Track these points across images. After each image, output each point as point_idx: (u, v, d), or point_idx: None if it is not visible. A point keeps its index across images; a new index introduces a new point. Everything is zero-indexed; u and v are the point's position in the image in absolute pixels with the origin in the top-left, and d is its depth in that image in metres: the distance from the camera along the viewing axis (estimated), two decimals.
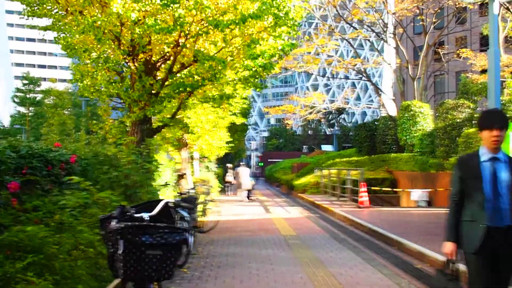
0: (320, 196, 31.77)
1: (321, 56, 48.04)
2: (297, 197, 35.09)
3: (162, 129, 16.77)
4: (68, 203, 7.48)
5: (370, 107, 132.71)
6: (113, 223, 5.43)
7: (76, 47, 13.78)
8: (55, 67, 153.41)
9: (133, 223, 5.36)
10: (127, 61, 14.14)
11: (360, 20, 44.15)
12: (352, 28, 45.73)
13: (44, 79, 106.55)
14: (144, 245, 5.30)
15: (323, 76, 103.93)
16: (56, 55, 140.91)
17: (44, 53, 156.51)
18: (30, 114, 77.68)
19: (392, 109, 44.60)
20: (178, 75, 14.49)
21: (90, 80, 14.67)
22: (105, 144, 13.78)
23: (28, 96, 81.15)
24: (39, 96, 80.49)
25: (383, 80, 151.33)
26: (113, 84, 14.17)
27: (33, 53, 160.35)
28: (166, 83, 14.47)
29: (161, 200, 6.07)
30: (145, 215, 5.75)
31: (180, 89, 13.81)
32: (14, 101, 79.25)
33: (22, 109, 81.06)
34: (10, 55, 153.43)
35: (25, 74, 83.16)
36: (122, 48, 13.46)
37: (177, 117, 16.78)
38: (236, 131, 50.91)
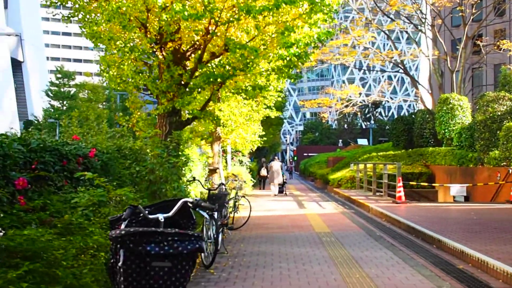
0: (355, 191, 31.09)
1: (357, 49, 47.16)
2: (332, 191, 34.40)
3: (192, 122, 16.17)
4: (80, 201, 6.84)
5: (407, 100, 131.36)
6: (122, 226, 4.81)
7: (101, 36, 13.24)
8: (91, 61, 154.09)
9: (135, 228, 4.47)
10: (154, 50, 13.61)
11: (397, 12, 43.29)
12: (389, 20, 44.89)
13: (80, 73, 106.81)
14: (150, 256, 4.45)
15: (360, 69, 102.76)
16: (91, 49, 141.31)
17: (80, 47, 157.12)
18: (64, 108, 77.69)
19: (429, 103, 43.68)
20: (209, 65, 13.89)
21: (117, 71, 14.17)
22: (132, 137, 13.20)
23: (62, 90, 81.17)
24: (73, 90, 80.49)
25: (419, 74, 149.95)
26: (140, 74, 13.65)
27: (69, 47, 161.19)
28: (196, 73, 13.93)
29: (180, 199, 5.44)
30: (161, 216, 5.09)
31: (211, 79, 13.23)
32: (48, 95, 79.26)
33: (56, 103, 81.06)
34: (46, 49, 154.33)
35: (59, 67, 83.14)
36: (149, 36, 12.96)
37: (207, 109, 16.14)
38: (271, 124, 50.41)
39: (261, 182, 41.91)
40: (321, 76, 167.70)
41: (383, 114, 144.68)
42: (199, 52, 13.74)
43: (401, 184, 22.92)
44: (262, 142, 30.55)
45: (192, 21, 12.36)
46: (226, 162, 32.01)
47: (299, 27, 13.15)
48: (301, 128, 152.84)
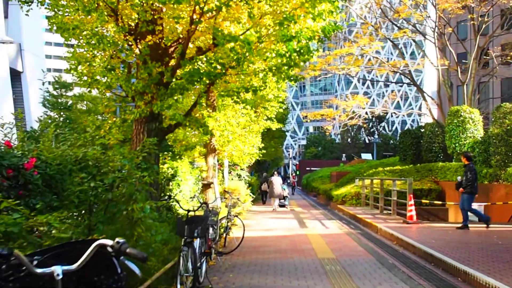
0: (361, 208, 29.02)
1: (363, 58, 45.21)
2: (336, 208, 32.35)
3: (176, 129, 14.00)
4: None
5: (411, 115, 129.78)
6: None
7: (67, 26, 11.23)
8: None
9: None
10: (129, 43, 11.59)
11: (405, 20, 41.56)
12: (396, 28, 43.05)
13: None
14: None
15: (364, 80, 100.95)
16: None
17: None
18: (61, 119, 75.79)
19: (438, 115, 41.74)
20: (194, 61, 11.79)
21: (87, 68, 12.14)
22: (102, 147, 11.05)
23: (60, 100, 79.37)
24: (70, 101, 78.68)
25: (424, 87, 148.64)
26: (113, 72, 11.60)
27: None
28: (179, 71, 11.87)
29: (94, 240, 3.39)
30: (58, 270, 3.10)
31: (195, 78, 11.15)
32: (45, 106, 77.44)
33: (54, 114, 79.22)
34: (47, 61, 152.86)
35: (57, 78, 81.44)
36: (120, 24, 10.91)
37: (194, 115, 13.91)
38: (273, 137, 48.83)
39: (263, 197, 41.92)
40: (325, 90, 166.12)
41: (387, 129, 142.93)
42: (182, 46, 11.64)
43: (412, 202, 20.89)
44: (261, 155, 28.55)
45: (172, 8, 10.38)
46: (223, 176, 30.08)
47: (301, 18, 11.09)
48: (304, 142, 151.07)
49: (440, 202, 26.22)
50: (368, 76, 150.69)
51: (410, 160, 36.89)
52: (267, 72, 12.51)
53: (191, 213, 9.72)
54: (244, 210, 29.23)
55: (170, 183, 17.17)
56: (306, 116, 49.26)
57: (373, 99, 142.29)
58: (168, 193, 16.64)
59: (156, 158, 12.38)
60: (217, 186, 24.56)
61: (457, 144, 30.35)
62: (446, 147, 32.04)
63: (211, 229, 12.79)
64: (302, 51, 11.34)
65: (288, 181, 78.70)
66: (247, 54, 10.92)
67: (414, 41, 45.07)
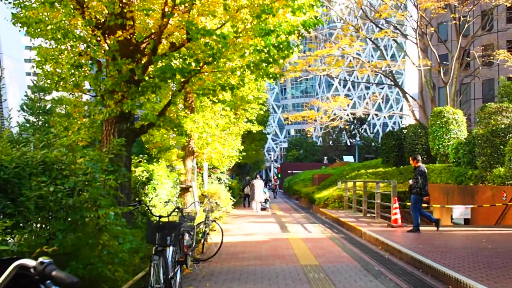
0: (344, 211, 28.38)
1: (345, 57, 44.58)
2: (318, 212, 31.68)
3: (149, 130, 13.20)
4: None
5: (392, 117, 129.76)
6: None
7: (31, 21, 10.48)
8: None
9: None
10: (98, 38, 10.84)
11: (386, 21, 41.14)
12: (378, 29, 42.57)
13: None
14: None
15: (345, 82, 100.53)
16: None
17: None
18: (39, 123, 74.76)
19: (420, 116, 41.27)
20: (167, 58, 11.04)
21: (53, 65, 11.39)
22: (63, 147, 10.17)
23: (38, 104, 78.28)
24: (49, 105, 77.67)
25: (405, 88, 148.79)
26: (80, 69, 10.85)
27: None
28: (151, 68, 11.15)
29: (14, 259, 2.67)
30: None
31: (167, 75, 10.41)
32: (23, 110, 76.38)
33: (32, 118, 78.18)
34: (27, 64, 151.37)
35: (35, 82, 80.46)
36: (87, 17, 10.17)
37: (168, 114, 13.11)
38: (253, 140, 48.31)
39: (245, 200, 42.00)
40: (306, 92, 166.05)
41: (368, 131, 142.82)
42: (153, 41, 10.88)
43: (397, 205, 20.32)
44: (241, 158, 27.88)
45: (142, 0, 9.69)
46: (202, 179, 29.36)
47: (279, 11, 10.39)
48: (285, 145, 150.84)
49: (425, 205, 25.65)
50: (349, 79, 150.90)
51: (393, 162, 36.46)
52: (245, 69, 11.79)
53: (164, 219, 9.02)
54: (225, 214, 28.57)
55: (146, 187, 16.42)
56: (287, 118, 48.63)
57: (354, 102, 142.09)
58: (141, 197, 15.92)
59: (127, 161, 11.66)
60: (196, 190, 23.88)
61: (440, 145, 29.93)
62: (430, 149, 31.58)
63: (187, 235, 12.10)
64: (281, 46, 10.65)
65: (270, 184, 78.07)
66: (223, 49, 10.22)
67: (395, 41, 44.65)
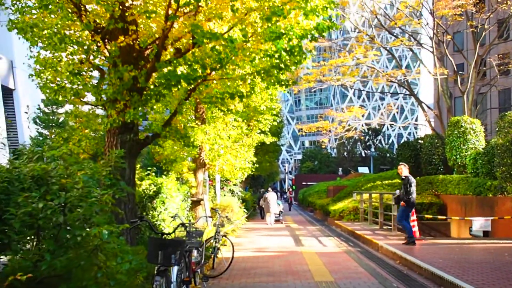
0: (359, 224, 27.70)
1: (360, 66, 43.84)
2: (333, 224, 31.02)
3: (157, 141, 12.55)
4: None
5: (407, 128, 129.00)
6: None
7: (27, 25, 9.91)
8: None
9: None
10: (98, 43, 10.27)
11: (401, 29, 40.50)
12: (393, 37, 41.88)
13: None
14: None
15: (360, 91, 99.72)
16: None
17: None
18: (52, 136, 74.52)
19: (435, 127, 40.50)
20: (172, 64, 10.41)
21: (52, 73, 10.82)
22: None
23: (51, 117, 78.10)
24: (62, 118, 77.49)
25: (420, 98, 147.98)
26: (79, 76, 10.27)
27: None
28: (154, 75, 10.55)
29: None
30: None
31: (171, 82, 9.82)
32: (36, 123, 76.18)
33: (45, 132, 78.02)
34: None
35: (48, 95, 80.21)
36: (85, 21, 9.59)
37: (174, 124, 12.38)
38: (267, 151, 47.85)
39: (261, 212, 41.48)
40: (320, 104, 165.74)
41: (383, 142, 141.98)
42: (156, 45, 10.26)
43: (415, 217, 19.62)
44: (254, 170, 27.25)
45: (144, 1, 9.10)
46: (215, 192, 28.77)
47: (291, 13, 9.77)
48: (299, 156, 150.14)
49: (444, 217, 24.95)
50: (364, 89, 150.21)
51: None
52: (255, 76, 11.17)
53: (171, 235, 8.42)
54: (238, 228, 27.99)
55: (154, 201, 15.82)
56: (301, 129, 48.02)
57: (369, 113, 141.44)
58: (149, 212, 15.33)
59: (131, 174, 11.06)
60: (207, 203, 23.27)
61: (458, 156, 29.10)
62: (447, 159, 30.78)
63: (195, 251, 11.49)
64: (293, 51, 10.04)
65: (285, 196, 77.30)
66: (231, 54, 9.62)
67: (411, 50, 43.86)
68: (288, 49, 9.93)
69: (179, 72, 9.93)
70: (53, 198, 6.50)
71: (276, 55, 10.06)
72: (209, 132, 21.33)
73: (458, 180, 27.29)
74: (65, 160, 7.01)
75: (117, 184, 7.91)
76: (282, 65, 10.46)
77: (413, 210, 19.70)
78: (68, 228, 6.64)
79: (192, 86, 10.84)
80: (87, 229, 6.53)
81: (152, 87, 10.62)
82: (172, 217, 14.02)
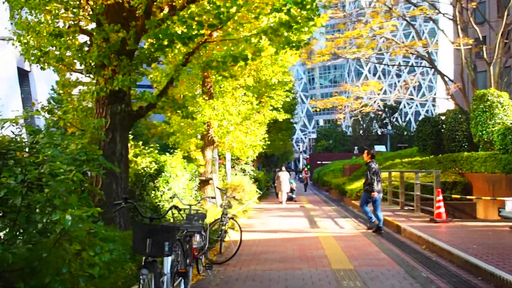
0: None
1: (376, 38, 42.07)
2: (350, 204, 29.64)
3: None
4: None
5: (424, 105, 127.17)
6: None
7: None
8: None
9: None
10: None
11: None
12: (412, 7, 40.12)
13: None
14: None
15: (378, 64, 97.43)
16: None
17: None
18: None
19: (458, 101, 38.82)
20: (165, 22, 8.97)
21: (35, 38, 9.47)
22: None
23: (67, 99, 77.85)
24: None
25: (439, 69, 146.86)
26: (60, 38, 8.89)
27: None
28: (145, 35, 9.13)
29: None
30: None
31: (163, 42, 8.42)
32: (50, 104, 75.71)
33: (60, 113, 77.92)
34: None
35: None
36: None
37: (171, 93, 10.93)
38: (280, 129, 46.78)
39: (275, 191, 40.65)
40: (334, 82, 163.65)
41: (400, 120, 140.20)
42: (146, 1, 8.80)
43: (441, 197, 18.17)
44: (266, 147, 25.95)
45: None
46: (226, 171, 27.51)
47: None
48: (314, 135, 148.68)
49: (473, 197, 23.47)
50: (380, 67, 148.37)
51: (430, 150, 34.11)
52: (261, 36, 9.70)
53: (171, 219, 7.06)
54: (249, 208, 26.75)
55: (156, 180, 14.49)
56: (315, 108, 46.59)
57: (385, 90, 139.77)
58: (150, 192, 13.99)
59: (122, 149, 9.71)
60: (216, 182, 21.99)
61: (484, 132, 27.56)
62: (471, 135, 29.26)
63: (197, 236, 10.18)
64: (304, 2, 8.57)
65: (300, 176, 76.05)
66: (231, 9, 8.19)
67: (431, 19, 42.01)
68: (298, 1, 8.47)
69: (172, 31, 8.49)
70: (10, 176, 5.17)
71: (285, 9, 8.59)
72: (217, 107, 20.16)
73: (485, 158, 25.75)
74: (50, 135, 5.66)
75: (94, 160, 6.54)
76: (292, 22, 8.99)
77: (439, 189, 18.29)
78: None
79: (190, 48, 9.44)
80: (47, 214, 5.16)
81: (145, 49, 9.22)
82: (170, 197, 12.77)
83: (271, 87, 26.58)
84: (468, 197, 23.55)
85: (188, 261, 9.01)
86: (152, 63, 9.41)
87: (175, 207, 8.25)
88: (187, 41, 8.34)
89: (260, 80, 24.91)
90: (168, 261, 7.10)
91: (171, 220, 9.47)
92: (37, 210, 5.18)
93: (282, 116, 28.57)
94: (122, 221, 9.65)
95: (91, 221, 5.76)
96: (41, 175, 5.37)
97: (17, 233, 5.32)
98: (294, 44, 9.97)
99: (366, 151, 18.32)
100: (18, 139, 5.86)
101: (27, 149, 5.92)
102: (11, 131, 6.21)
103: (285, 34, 9.54)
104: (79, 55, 9.03)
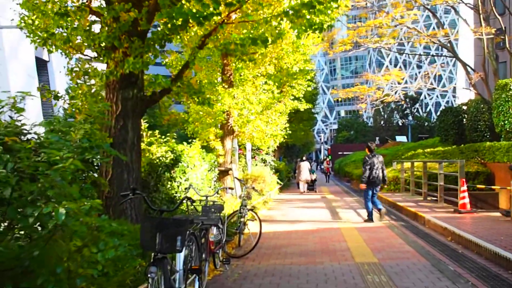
0: (400, 194, 25.86)
1: (398, 28, 41.29)
2: None
3: (162, 98, 10.42)
4: None
5: (444, 96, 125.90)
6: None
7: None
8: None
9: None
10: None
11: None
12: None
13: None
14: None
15: (397, 60, 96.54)
16: None
17: None
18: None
19: (480, 91, 38.06)
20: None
21: (41, 19, 9.00)
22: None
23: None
24: (94, 89, 77.47)
25: (459, 63, 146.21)
26: (67, 18, 8.40)
27: None
28: (159, 14, 8.61)
29: None
30: None
31: (177, 22, 7.93)
32: (68, 93, 76.02)
33: (79, 102, 78.43)
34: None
35: (80, 66, 79.78)
36: None
37: (186, 77, 10.29)
38: (301, 120, 46.50)
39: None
40: (356, 73, 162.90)
41: (421, 111, 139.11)
42: None
43: (465, 187, 17.63)
44: (287, 137, 25.48)
45: None
46: (246, 161, 27.08)
47: None
48: (335, 126, 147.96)
49: (498, 187, 22.80)
50: (400, 58, 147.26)
51: (452, 140, 33.54)
52: (282, 18, 9.17)
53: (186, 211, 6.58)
54: (270, 199, 26.32)
55: (173, 171, 14.03)
56: (337, 98, 46.12)
57: (406, 81, 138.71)
58: (165, 183, 13.53)
59: (134, 137, 9.23)
60: (236, 173, 21.53)
61: (506, 121, 26.89)
62: (493, 125, 28.60)
63: (214, 229, 9.73)
64: None
65: (322, 167, 75.56)
66: None
67: (453, 8, 41.20)
68: None
69: (186, 9, 7.96)
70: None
71: None
72: (237, 96, 19.67)
73: (507, 147, 25.11)
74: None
75: (97, 147, 6.05)
76: (314, 2, 8.46)
77: (463, 179, 17.74)
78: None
79: (207, 30, 8.94)
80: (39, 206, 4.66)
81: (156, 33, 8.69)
82: (185, 188, 12.31)
83: (292, 76, 26.17)
84: (493, 187, 22.91)
85: (204, 255, 8.57)
86: (164, 45, 8.89)
87: (188, 198, 7.74)
88: (202, 21, 7.77)
89: (282, 69, 24.51)
90: (180, 257, 6.65)
91: (187, 213, 9.04)
92: (28, 200, 4.71)
93: (303, 106, 28.09)
94: (134, 213, 9.19)
95: (93, 214, 5.31)
96: (36, 163, 4.90)
97: (8, 228, 4.87)
98: (316, 27, 9.40)
99: (366, 145, 18.73)
100: (10, 124, 5.39)
101: (24, 137, 5.46)
102: (9, 116, 5.76)
103: (307, 16, 9.01)
104: (87, 36, 8.55)
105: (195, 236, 7.55)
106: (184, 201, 7.71)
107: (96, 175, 9.08)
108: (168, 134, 15.11)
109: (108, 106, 6.45)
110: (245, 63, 15.12)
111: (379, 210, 17.57)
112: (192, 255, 7.42)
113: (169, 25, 8.11)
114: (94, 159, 6.56)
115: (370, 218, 17.56)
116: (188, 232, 7.01)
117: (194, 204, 8.68)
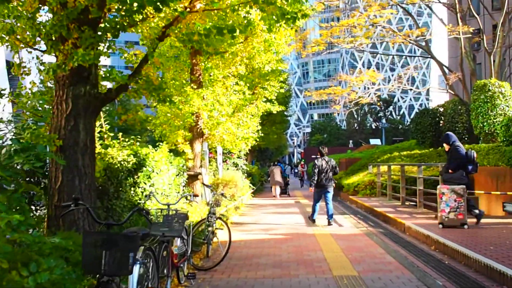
0: (377, 199, 25.01)
1: (372, 28, 40.65)
2: (347, 200, 28.33)
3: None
4: None
5: (418, 99, 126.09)
6: None
7: None
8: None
9: None
10: None
11: None
12: None
13: None
14: None
15: (370, 61, 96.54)
16: None
17: None
18: None
19: (458, 92, 37.51)
20: None
21: None
22: None
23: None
24: None
25: (432, 65, 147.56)
26: (7, 4, 7.37)
27: None
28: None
29: None
30: None
31: (132, 7, 6.96)
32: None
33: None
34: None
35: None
36: None
37: (145, 73, 9.27)
38: (274, 122, 45.91)
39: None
40: (328, 76, 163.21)
41: (394, 114, 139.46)
42: None
43: None
44: (259, 139, 24.62)
45: None
46: (217, 165, 26.15)
47: None
48: (308, 130, 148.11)
49: (482, 192, 22.06)
50: (373, 61, 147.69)
51: (429, 143, 32.96)
52: (251, 6, 8.23)
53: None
54: (242, 204, 25.44)
55: (136, 176, 13.01)
56: (310, 101, 45.57)
57: (379, 84, 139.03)
58: (126, 189, 12.50)
59: (87, 138, 8.23)
60: (206, 177, 20.58)
61: (485, 123, 26.27)
62: (472, 127, 28.00)
63: (178, 240, 8.79)
64: None
65: (296, 170, 74.88)
66: None
67: (429, 7, 40.56)
68: None
69: None
70: None
71: None
72: (206, 97, 18.82)
73: (487, 150, 24.42)
74: None
75: (30, 149, 5.08)
76: None
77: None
78: None
79: (169, 20, 7.96)
80: None
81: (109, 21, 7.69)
82: (145, 196, 11.34)
83: (265, 77, 25.36)
84: (475, 191, 22.17)
85: (166, 271, 7.63)
86: (118, 34, 7.87)
87: (141, 209, 6.70)
88: (160, 6, 6.80)
89: (253, 70, 23.76)
90: (133, 278, 5.66)
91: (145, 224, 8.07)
92: None
93: (276, 108, 27.32)
94: (87, 224, 8.19)
95: (23, 229, 4.34)
96: None
97: None
98: (289, 16, 8.43)
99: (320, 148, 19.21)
100: None
101: None
102: None
103: (278, 4, 8.06)
104: (30, 24, 7.54)
105: (152, 251, 6.56)
106: (135, 213, 6.65)
107: (46, 181, 8.12)
108: (138, 137, 14.18)
109: (45, 100, 5.48)
110: (214, 60, 14.16)
111: (331, 216, 18.13)
112: (149, 273, 6.43)
113: (122, 12, 7.13)
114: (33, 164, 5.55)
115: (312, 219, 18.52)
116: (143, 247, 6.05)
117: (151, 215, 7.71)
